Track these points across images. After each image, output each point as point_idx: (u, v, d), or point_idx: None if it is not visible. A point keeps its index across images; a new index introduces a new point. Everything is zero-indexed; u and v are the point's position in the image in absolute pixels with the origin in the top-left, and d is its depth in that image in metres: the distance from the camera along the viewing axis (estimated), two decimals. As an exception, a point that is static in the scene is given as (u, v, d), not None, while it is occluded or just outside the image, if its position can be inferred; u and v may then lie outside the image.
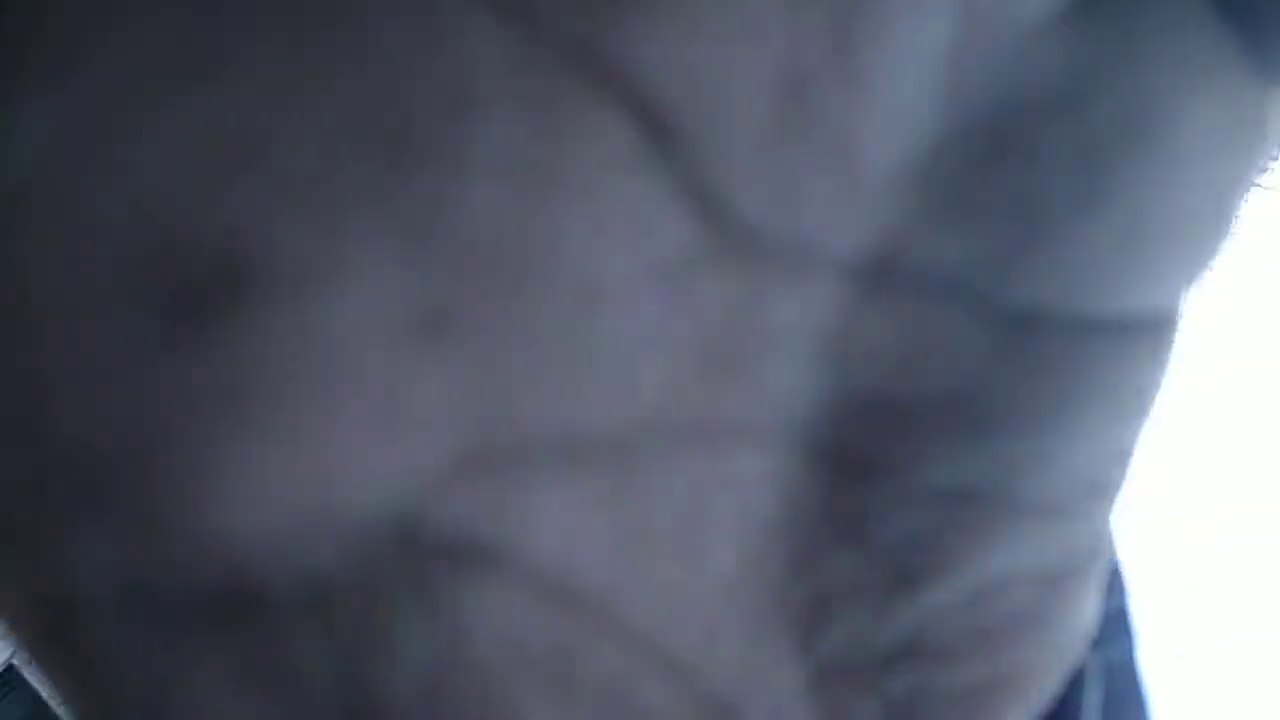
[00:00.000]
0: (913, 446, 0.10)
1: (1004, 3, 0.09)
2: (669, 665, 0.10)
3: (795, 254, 0.09)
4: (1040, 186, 0.10)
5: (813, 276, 0.10)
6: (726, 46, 0.08)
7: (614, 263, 0.09)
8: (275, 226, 0.08)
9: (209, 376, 0.08)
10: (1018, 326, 0.10)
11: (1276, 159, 0.11)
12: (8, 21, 0.08)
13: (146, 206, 0.08)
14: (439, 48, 0.08)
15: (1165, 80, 0.09)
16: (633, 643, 0.10)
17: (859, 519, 0.11)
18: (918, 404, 0.10)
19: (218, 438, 0.08)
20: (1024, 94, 0.09)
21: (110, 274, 0.08)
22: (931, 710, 0.11)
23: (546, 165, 0.08)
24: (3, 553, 0.09)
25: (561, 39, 0.08)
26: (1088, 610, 0.12)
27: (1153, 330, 0.10)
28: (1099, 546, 0.11)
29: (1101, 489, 0.11)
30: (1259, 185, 0.11)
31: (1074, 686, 0.12)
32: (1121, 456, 0.11)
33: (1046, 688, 0.12)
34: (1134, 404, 0.11)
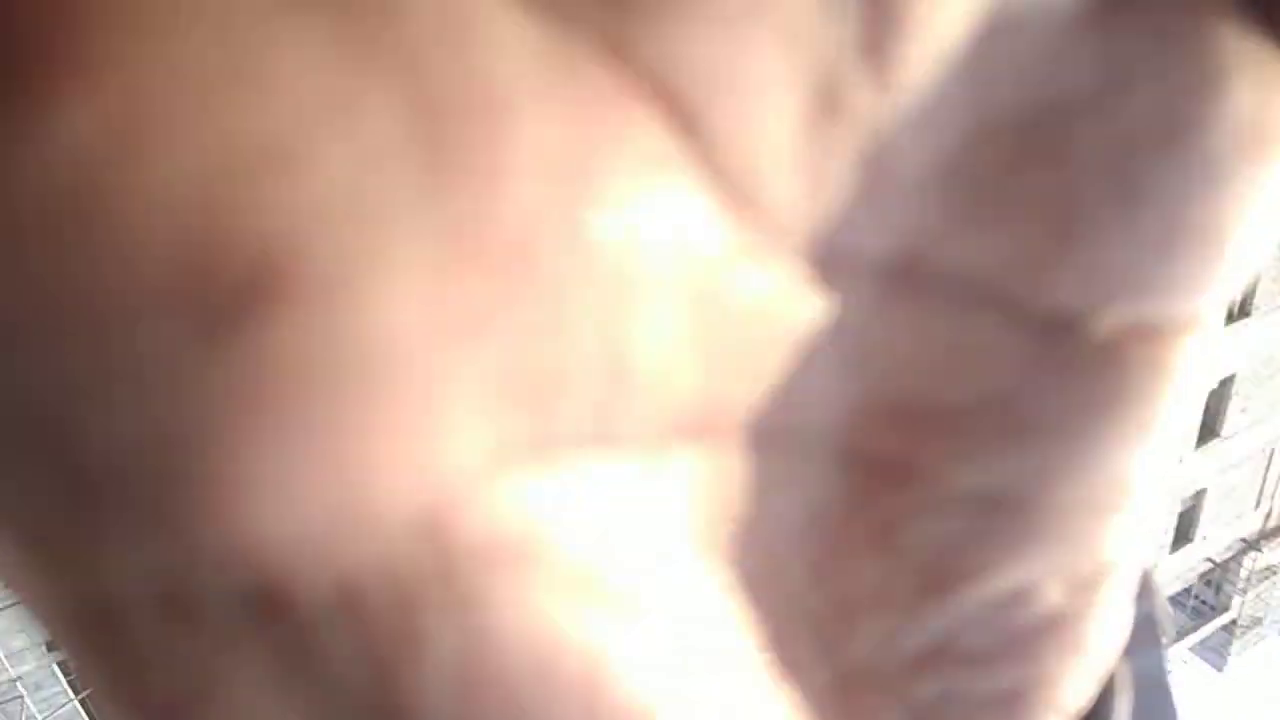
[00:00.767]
0: (943, 451, 0.10)
1: (1032, 2, 0.09)
2: (693, 666, 0.10)
3: (824, 255, 0.09)
4: (1072, 186, 0.10)
5: (841, 278, 0.10)
6: (757, 46, 0.08)
7: (646, 264, 0.09)
8: (311, 230, 0.08)
9: (244, 379, 0.08)
10: (1050, 330, 0.10)
11: None
12: (48, 27, 0.08)
13: (183, 211, 0.08)
14: (475, 53, 0.08)
15: (1199, 78, 0.09)
16: (659, 643, 0.10)
17: (887, 523, 0.11)
18: (948, 408, 0.10)
19: (252, 440, 0.09)
20: (1055, 92, 0.09)
21: (147, 278, 0.08)
22: (959, 716, 0.11)
23: (578, 165, 0.08)
24: (39, 556, 0.09)
25: (593, 39, 0.08)
26: (1118, 618, 0.12)
27: (1187, 334, 0.10)
28: (1130, 554, 0.11)
29: (1130, 493, 0.11)
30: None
31: (1104, 694, 0.12)
32: (1150, 461, 0.11)
33: (1077, 695, 0.12)
34: (1167, 411, 0.11)
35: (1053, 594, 0.11)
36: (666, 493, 0.10)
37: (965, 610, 0.11)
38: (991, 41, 0.09)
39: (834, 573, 0.11)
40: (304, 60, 0.08)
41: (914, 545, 0.10)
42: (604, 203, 0.09)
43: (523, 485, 0.09)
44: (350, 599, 0.09)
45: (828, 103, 0.09)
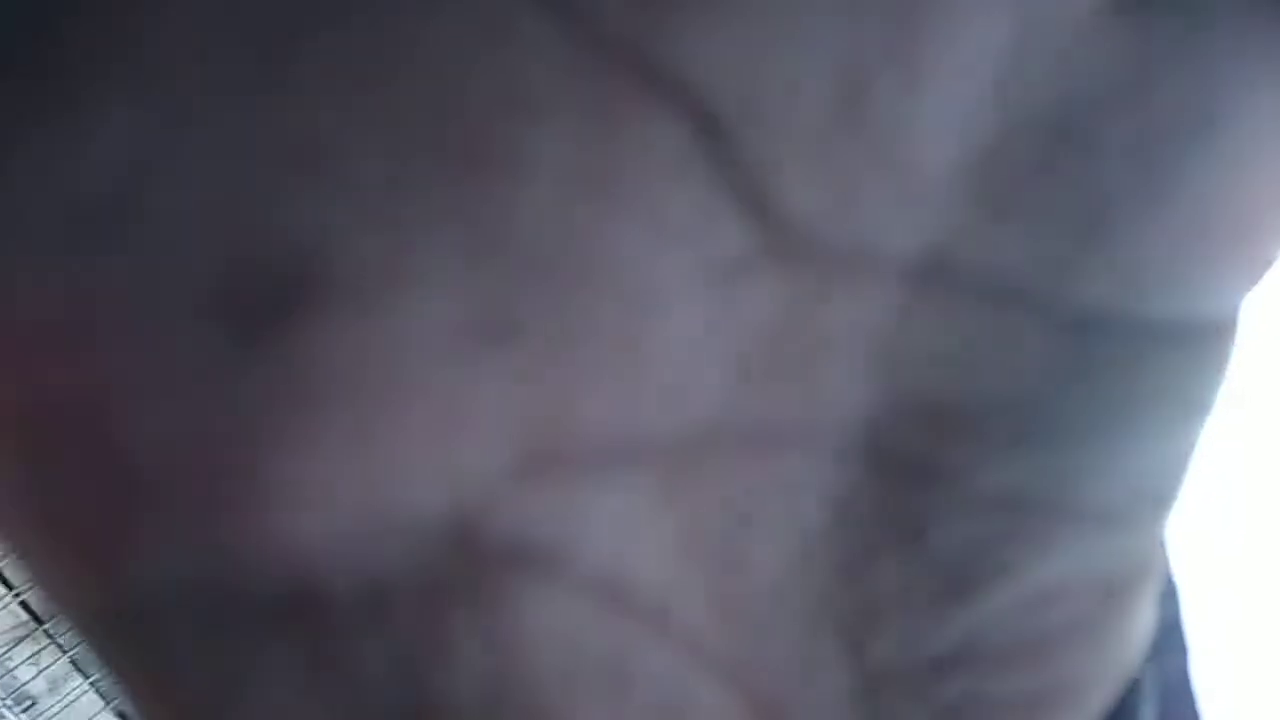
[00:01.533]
0: (969, 452, 0.10)
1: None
2: (719, 667, 0.10)
3: (850, 256, 0.09)
4: (1101, 183, 0.10)
5: (868, 279, 0.10)
6: (781, 47, 0.08)
7: (669, 266, 0.09)
8: (341, 235, 0.08)
9: (275, 382, 0.09)
10: (1078, 330, 0.10)
11: None
12: (83, 39, 0.08)
13: (216, 216, 0.08)
14: (499, 53, 0.08)
15: (1227, 72, 0.09)
16: (684, 645, 0.10)
17: (912, 525, 0.10)
18: (975, 409, 0.10)
19: (283, 442, 0.09)
20: (1083, 88, 0.09)
21: (180, 282, 0.08)
22: (983, 718, 0.11)
23: (603, 169, 0.08)
24: (74, 555, 0.09)
25: (618, 42, 0.08)
26: (1143, 621, 0.12)
27: (1214, 334, 0.10)
28: (1155, 556, 0.11)
29: (1159, 497, 0.11)
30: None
31: (1129, 698, 0.12)
32: (1180, 464, 0.11)
33: (1101, 699, 0.11)
34: (1193, 410, 0.11)
35: (1079, 597, 0.11)
36: (691, 498, 0.10)
37: (991, 612, 0.11)
38: (1019, 36, 0.09)
39: (860, 574, 0.11)
40: (333, 61, 0.08)
41: (940, 547, 0.10)
42: (627, 205, 0.09)
43: (548, 490, 0.09)
44: (380, 601, 0.09)
45: (852, 104, 0.09)
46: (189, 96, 0.08)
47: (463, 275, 0.08)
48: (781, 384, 0.10)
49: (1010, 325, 0.10)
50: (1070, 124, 0.09)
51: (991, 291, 0.10)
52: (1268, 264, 0.10)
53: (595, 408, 0.09)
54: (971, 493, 0.10)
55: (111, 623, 0.09)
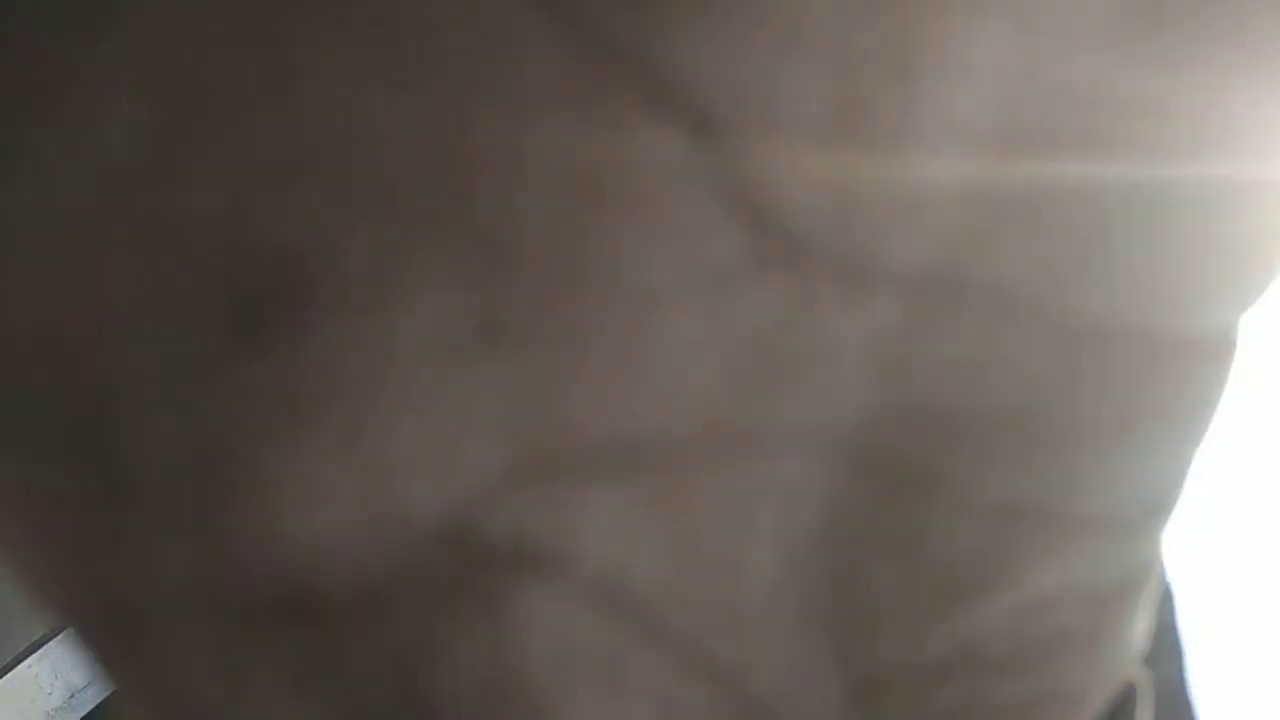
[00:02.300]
0: (966, 460, 0.10)
1: (1061, 8, 0.09)
2: (714, 670, 0.10)
3: (850, 262, 0.09)
4: (1105, 193, 0.10)
5: (867, 285, 0.10)
6: (779, 53, 0.08)
7: (666, 272, 0.09)
8: (338, 238, 0.08)
9: (272, 385, 0.09)
10: (1078, 341, 0.10)
11: None
12: (86, 44, 0.08)
13: (215, 219, 0.08)
14: (497, 57, 0.08)
15: (1239, 81, 0.09)
16: (680, 647, 0.10)
17: (909, 531, 0.10)
18: (975, 417, 0.10)
19: (280, 444, 0.09)
20: (1085, 100, 0.09)
21: (178, 285, 0.08)
22: None
23: (601, 175, 0.09)
24: (71, 556, 0.09)
25: (615, 46, 0.08)
26: (1139, 628, 0.12)
27: (1215, 348, 0.10)
28: (1153, 563, 0.11)
29: (1157, 506, 0.11)
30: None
31: (1126, 704, 0.12)
32: (1179, 475, 0.11)
33: (1097, 704, 0.11)
34: (1193, 422, 0.11)
35: (1075, 605, 0.11)
36: (688, 501, 0.10)
37: (987, 619, 0.11)
38: (1019, 45, 0.09)
39: (856, 579, 0.11)
40: (334, 68, 0.08)
41: (938, 553, 0.10)
42: (625, 211, 0.09)
43: (544, 491, 0.09)
44: (377, 601, 0.09)
45: (851, 112, 0.09)
46: (189, 102, 0.08)
47: (460, 278, 0.09)
48: (779, 388, 0.10)
49: (1010, 335, 0.10)
50: (1075, 133, 0.09)
51: (992, 301, 0.10)
52: (1269, 280, 0.10)
53: (591, 410, 0.09)
54: (968, 500, 0.10)
55: (108, 622, 0.09)
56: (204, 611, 0.09)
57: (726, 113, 0.09)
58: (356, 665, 0.09)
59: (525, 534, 0.09)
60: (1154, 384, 0.10)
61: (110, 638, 0.09)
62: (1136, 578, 0.11)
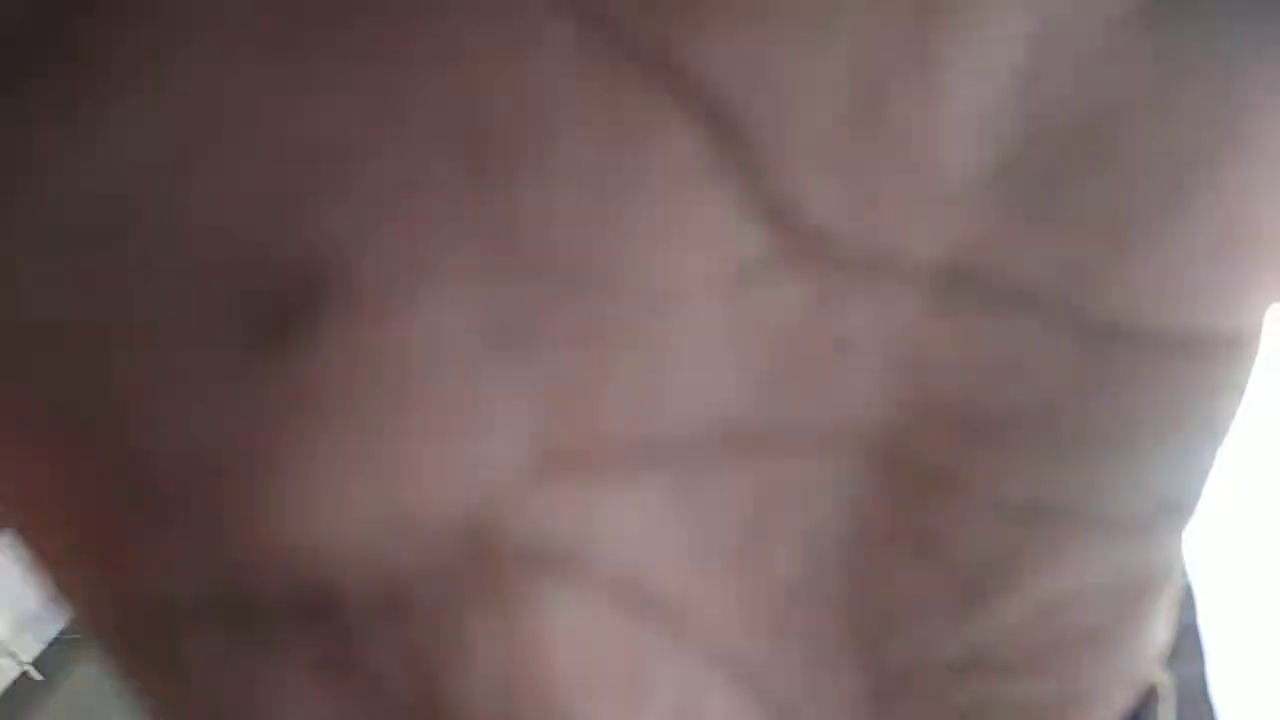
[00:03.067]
0: (989, 461, 0.10)
1: (1083, 3, 0.09)
2: (735, 669, 0.10)
3: (870, 260, 0.09)
4: (1124, 193, 0.09)
5: (888, 283, 0.10)
6: (799, 52, 0.08)
7: (685, 270, 0.09)
8: (358, 240, 0.08)
9: (292, 387, 0.09)
10: (1099, 340, 0.10)
11: None
12: (107, 45, 0.08)
13: (236, 220, 0.08)
14: (519, 58, 0.08)
15: (1251, 84, 0.09)
16: (701, 646, 0.10)
17: (930, 531, 0.10)
18: (995, 418, 0.10)
19: (300, 447, 0.09)
20: (1107, 97, 0.09)
21: (197, 287, 0.08)
22: None
23: (621, 174, 0.09)
24: (91, 559, 0.09)
25: (636, 47, 0.08)
26: (1159, 629, 0.12)
27: (1235, 348, 0.10)
28: (1173, 564, 0.11)
29: (1177, 506, 0.11)
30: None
31: (1146, 703, 0.12)
32: (1198, 475, 0.11)
33: (1117, 704, 0.11)
34: (1213, 422, 0.11)
35: (1095, 605, 0.11)
36: (708, 500, 0.10)
37: (1006, 619, 0.11)
38: (1040, 44, 0.09)
39: (876, 579, 0.11)
40: (352, 68, 0.08)
41: (957, 553, 0.10)
42: (643, 208, 0.09)
43: (565, 492, 0.09)
44: (397, 602, 0.09)
45: (870, 108, 0.09)
46: (211, 102, 0.08)
47: (482, 279, 0.09)
48: (800, 387, 0.10)
49: (1031, 334, 0.10)
50: (1093, 135, 0.09)
51: (1012, 301, 0.10)
52: None
53: (613, 410, 0.09)
54: (988, 500, 0.10)
55: (128, 626, 0.09)
56: (224, 614, 0.09)
57: (746, 110, 0.09)
58: (376, 666, 0.09)
59: (545, 535, 0.09)
60: (1173, 383, 0.10)
61: (130, 640, 0.10)
62: (1156, 578, 0.11)
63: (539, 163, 0.08)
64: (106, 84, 0.08)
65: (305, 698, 0.09)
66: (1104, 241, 0.10)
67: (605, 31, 0.08)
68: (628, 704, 0.10)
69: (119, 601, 0.09)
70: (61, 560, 0.09)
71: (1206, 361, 0.10)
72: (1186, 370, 0.10)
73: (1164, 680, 0.12)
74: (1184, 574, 0.12)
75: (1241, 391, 0.11)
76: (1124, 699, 0.12)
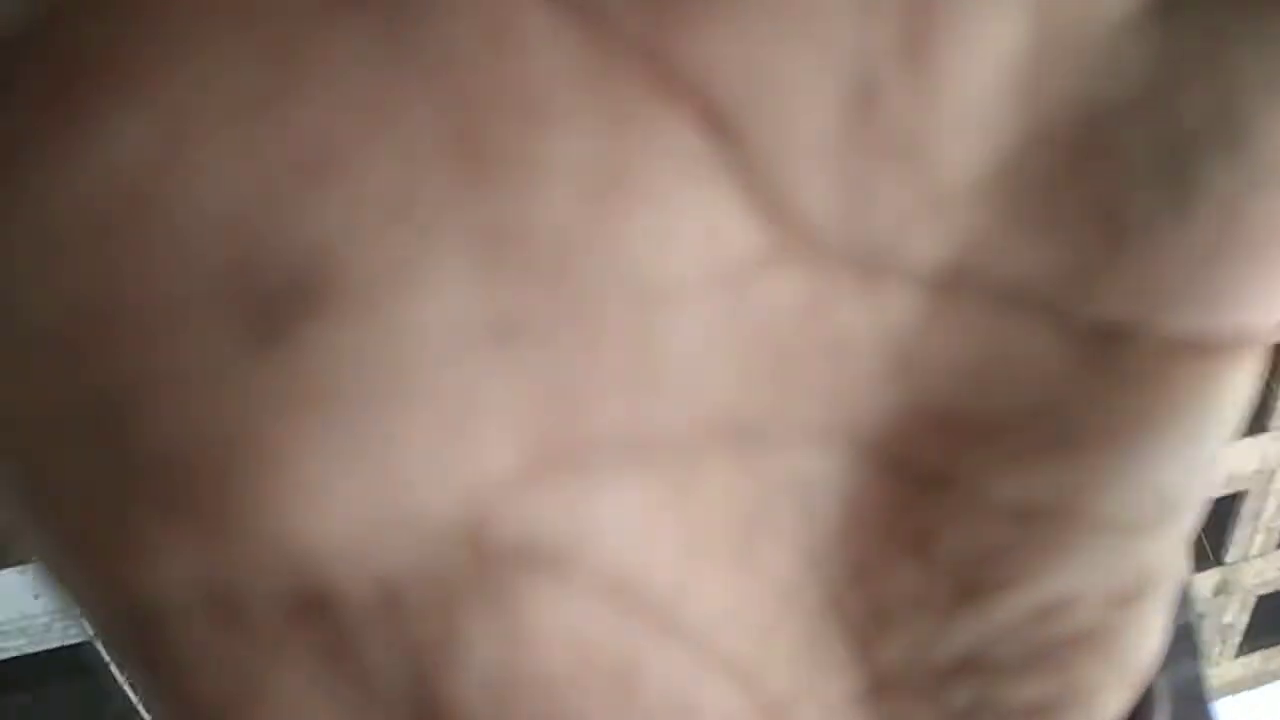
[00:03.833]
0: (984, 460, 0.10)
1: (1082, 3, 0.09)
2: (728, 667, 0.10)
3: (866, 258, 0.09)
4: (1125, 192, 0.09)
5: (884, 283, 0.10)
6: (793, 46, 0.08)
7: (680, 267, 0.09)
8: (352, 237, 0.08)
9: (287, 383, 0.09)
10: (1098, 341, 0.10)
11: None
12: (101, 44, 0.08)
13: (228, 218, 0.08)
14: (509, 53, 0.08)
15: (1257, 80, 0.09)
16: (694, 645, 0.10)
17: (925, 530, 0.10)
18: (992, 417, 0.10)
19: (295, 444, 0.09)
20: (1108, 94, 0.09)
21: (195, 284, 0.08)
22: None
23: (615, 169, 0.08)
24: (89, 556, 0.09)
25: (628, 41, 0.08)
26: (1156, 631, 0.12)
27: (1238, 349, 0.10)
28: (1172, 565, 0.11)
29: (1178, 508, 0.11)
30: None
31: (1143, 706, 0.12)
32: (1199, 475, 0.11)
33: (1113, 706, 0.11)
34: (1216, 425, 0.11)
35: (1091, 606, 0.11)
36: (702, 497, 0.10)
37: (1002, 619, 0.11)
38: (1038, 40, 0.09)
39: (870, 577, 0.11)
40: (345, 64, 0.08)
41: (952, 553, 0.10)
42: (638, 206, 0.09)
43: (558, 490, 0.09)
44: (390, 600, 0.09)
45: (866, 105, 0.09)
46: (202, 100, 0.08)
47: (473, 275, 0.08)
48: (795, 385, 0.10)
49: (1029, 334, 0.10)
50: (1092, 132, 0.09)
51: (1010, 300, 0.10)
52: None
53: (606, 407, 0.09)
54: (985, 500, 0.10)
55: (126, 622, 0.09)
56: (220, 611, 0.09)
57: (741, 106, 0.09)
58: (370, 663, 0.09)
59: (539, 532, 0.09)
60: (1173, 384, 0.10)
61: (129, 637, 0.10)
62: (1156, 579, 0.11)
63: (533, 160, 0.08)
64: (102, 82, 0.08)
65: (299, 694, 0.09)
66: (1103, 241, 0.10)
67: (595, 27, 0.08)
68: (620, 701, 0.10)
69: (115, 596, 0.09)
70: (61, 553, 0.09)
71: (1207, 362, 0.10)
72: (1188, 370, 0.10)
73: (1160, 682, 0.12)
74: (1182, 575, 0.12)
75: (1244, 391, 0.11)
76: (1121, 700, 0.11)
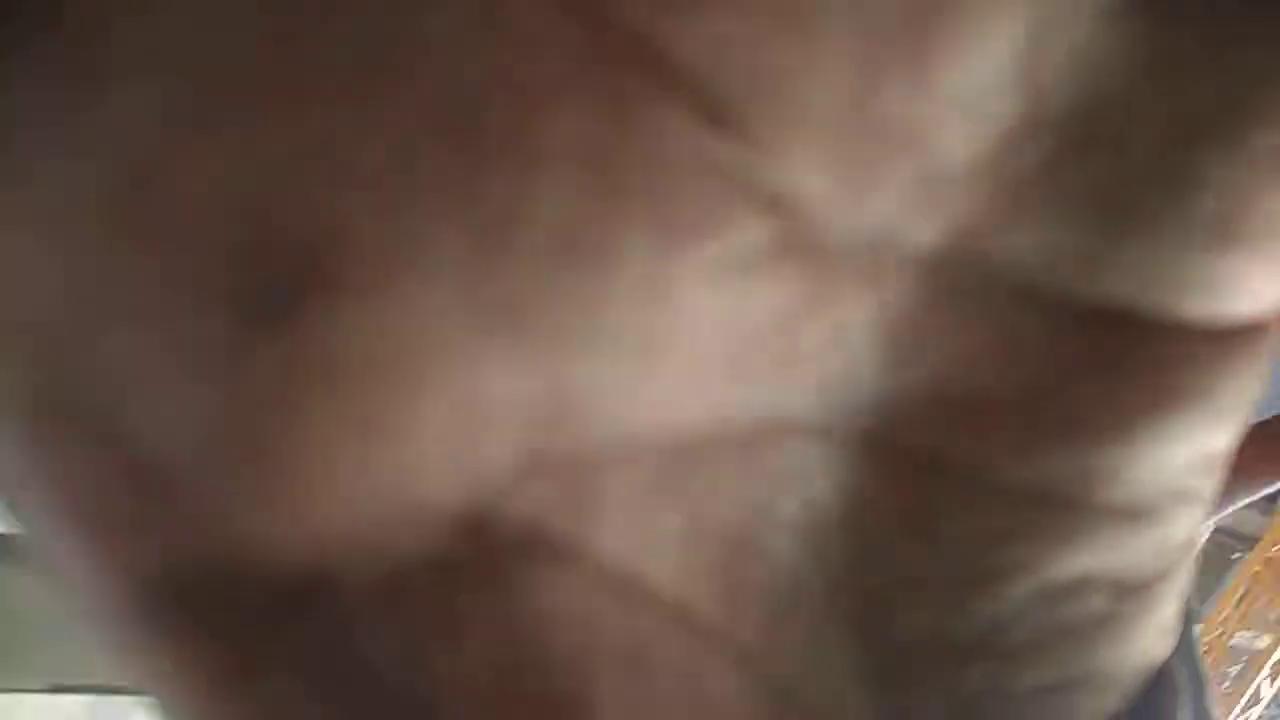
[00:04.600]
0: (988, 446, 0.10)
1: None
2: (734, 654, 0.10)
3: (866, 247, 0.09)
4: (1126, 179, 0.09)
5: (884, 270, 0.09)
6: (791, 36, 0.08)
7: (680, 256, 0.09)
8: (352, 223, 0.08)
9: (287, 371, 0.08)
10: (1103, 326, 0.10)
11: None
12: (98, 28, 0.08)
13: (228, 205, 0.08)
14: (507, 42, 0.08)
15: (1257, 67, 0.09)
16: (699, 632, 0.10)
17: (930, 515, 0.10)
18: (995, 403, 0.10)
19: (295, 432, 0.09)
20: (1108, 82, 0.09)
21: (198, 268, 0.08)
22: (1000, 710, 0.11)
23: (612, 159, 0.08)
24: (92, 538, 0.09)
25: (626, 30, 0.08)
26: (1168, 617, 0.12)
27: (1245, 335, 0.10)
28: (1183, 553, 0.11)
29: (1187, 496, 0.11)
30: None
31: (1159, 690, 0.12)
32: (1209, 464, 0.11)
33: (1124, 691, 0.11)
34: (1224, 411, 0.10)
35: (1102, 592, 0.11)
36: (704, 485, 0.10)
37: (1011, 606, 0.11)
38: (1037, 27, 0.09)
39: (874, 563, 0.11)
40: (343, 55, 0.08)
41: (958, 539, 0.10)
42: (637, 196, 0.09)
43: (560, 479, 0.09)
44: (394, 587, 0.09)
45: (865, 91, 0.09)
46: (202, 87, 0.08)
47: (472, 265, 0.08)
48: (795, 373, 0.10)
49: (1030, 321, 0.10)
50: (1093, 120, 0.09)
51: (1011, 287, 0.10)
52: None
53: (606, 397, 0.09)
54: (988, 486, 0.10)
55: (128, 605, 0.09)
56: (222, 596, 0.09)
57: (740, 98, 0.08)
58: (372, 650, 0.09)
59: (542, 521, 0.09)
60: (1180, 369, 0.10)
61: (131, 619, 0.10)
62: (1166, 566, 0.11)
63: (531, 148, 0.08)
64: (103, 62, 0.08)
65: (302, 679, 0.09)
66: (1105, 228, 0.10)
67: (592, 14, 0.08)
68: (626, 688, 0.10)
69: (119, 578, 0.09)
70: (63, 534, 0.09)
71: (1214, 347, 0.10)
72: (1196, 356, 0.10)
73: (1179, 671, 0.12)
74: (1193, 562, 0.12)
75: (1255, 378, 0.11)
76: (1131, 686, 0.11)
